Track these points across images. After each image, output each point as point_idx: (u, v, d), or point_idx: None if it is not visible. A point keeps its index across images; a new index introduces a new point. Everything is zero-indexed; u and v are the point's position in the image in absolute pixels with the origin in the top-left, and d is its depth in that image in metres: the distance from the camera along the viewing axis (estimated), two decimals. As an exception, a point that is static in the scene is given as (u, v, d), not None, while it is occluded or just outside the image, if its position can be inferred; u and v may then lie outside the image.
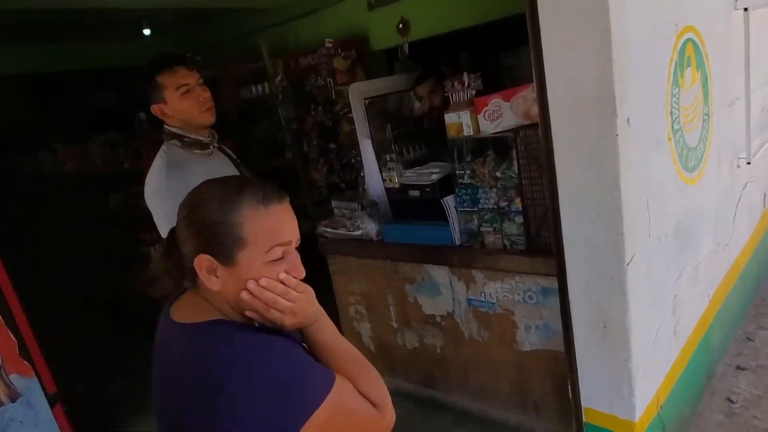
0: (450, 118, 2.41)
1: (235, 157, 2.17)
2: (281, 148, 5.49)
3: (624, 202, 1.72)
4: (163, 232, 1.86)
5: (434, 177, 2.55)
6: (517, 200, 2.31)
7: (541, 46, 1.73)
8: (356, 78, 4.32)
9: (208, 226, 0.96)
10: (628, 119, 1.71)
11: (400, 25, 4.31)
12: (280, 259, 0.98)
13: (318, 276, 3.17)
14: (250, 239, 0.95)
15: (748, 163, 2.96)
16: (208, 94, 1.97)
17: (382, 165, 2.96)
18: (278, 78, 4.84)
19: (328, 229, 2.97)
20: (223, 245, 0.95)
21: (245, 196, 0.96)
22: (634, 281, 1.82)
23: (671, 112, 2.09)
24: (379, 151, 3.00)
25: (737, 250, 2.97)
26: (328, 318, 1.10)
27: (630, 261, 1.79)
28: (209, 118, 1.99)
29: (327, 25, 4.87)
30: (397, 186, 2.78)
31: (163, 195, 1.84)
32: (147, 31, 5.40)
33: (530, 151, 2.20)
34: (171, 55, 2.02)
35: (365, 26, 4.61)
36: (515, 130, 2.24)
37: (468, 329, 2.63)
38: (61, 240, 5.72)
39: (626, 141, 1.71)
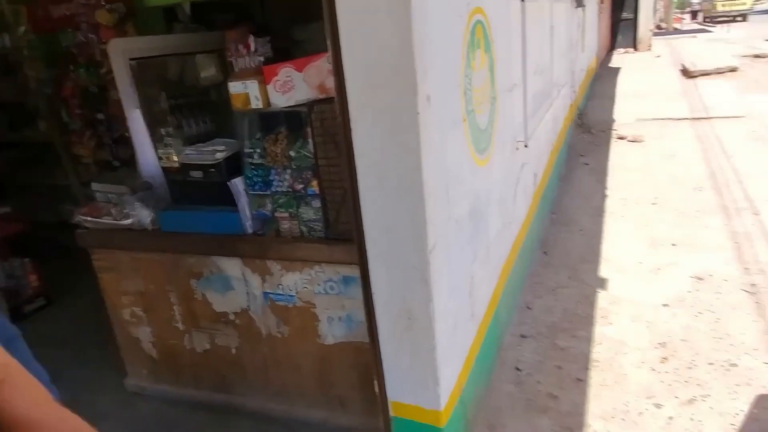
0: (235, 87, 2.07)
1: None
2: (32, 116, 4.49)
3: (426, 186, 1.61)
4: None
5: (219, 155, 2.20)
6: (314, 182, 2.09)
7: (335, 6, 1.50)
8: (127, 35, 3.66)
9: None
10: (428, 97, 1.59)
11: (179, -18, 3.75)
12: None
13: (83, 274, 2.61)
14: None
15: (526, 146, 3.17)
16: None
17: (157, 140, 2.50)
18: (22, 29, 3.90)
19: (89, 218, 2.42)
20: None
21: None
22: (436, 269, 1.74)
23: (465, 93, 2.05)
24: (154, 124, 2.53)
25: (517, 227, 3.19)
26: (25, 377, 0.71)
27: (432, 248, 1.70)
28: None
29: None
30: (176, 165, 2.36)
31: None
32: None
33: (327, 128, 1.98)
34: None
35: (136, -24, 3.92)
36: (309, 105, 2.00)
37: (266, 326, 2.37)
38: None
39: (427, 120, 1.59)
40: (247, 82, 2.04)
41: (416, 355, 1.81)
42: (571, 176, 5.82)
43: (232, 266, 2.31)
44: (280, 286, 2.26)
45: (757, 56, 12.02)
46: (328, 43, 1.58)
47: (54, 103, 4.22)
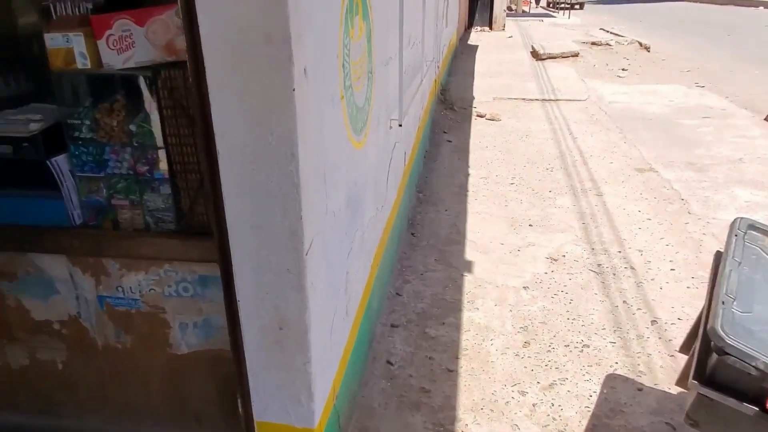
0: (54, 40, 1.61)
1: None
2: None
3: (302, 175, 1.36)
4: None
5: (35, 126, 1.73)
6: (162, 164, 1.73)
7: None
8: None
9: None
10: (305, 69, 1.32)
11: None
12: None
13: None
14: None
15: (400, 125, 3.03)
16: None
17: (-54, 103, 1.92)
18: None
19: None
20: None
21: None
22: (313, 272, 1.51)
23: (343, 66, 1.81)
24: (-60, 81, 1.94)
25: (389, 210, 3.05)
26: None
27: (309, 249, 1.46)
28: None
29: None
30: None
31: None
32: None
33: (177, 99, 1.63)
34: None
35: None
36: (155, 68, 1.63)
37: (102, 335, 1.96)
38: None
39: (304, 98, 1.33)
40: (70, 34, 1.60)
41: (288, 370, 1.57)
42: (436, 153, 5.89)
43: (55, 265, 1.86)
44: (120, 289, 1.87)
45: (593, 43, 13.25)
46: (178, -8, 1.25)
47: None
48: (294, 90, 1.26)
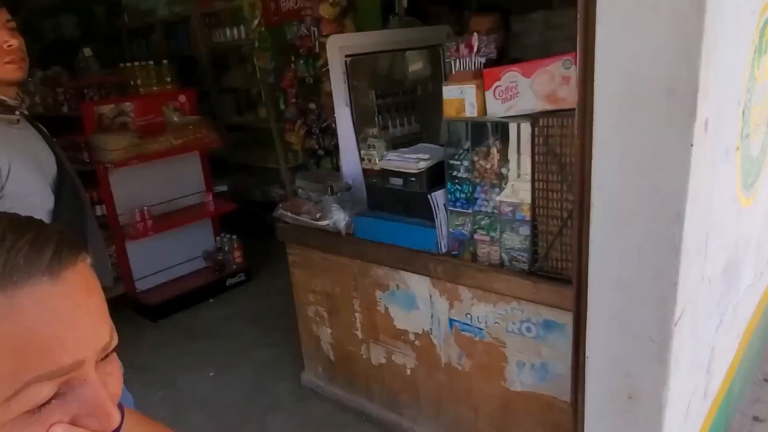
0: (450, 92, 1.85)
1: (48, 134, 1.64)
2: (255, 103, 4.88)
3: (685, 238, 1.21)
4: None
5: (422, 165, 2.02)
6: (526, 207, 1.79)
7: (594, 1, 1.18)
8: (344, 30, 3.70)
9: None
10: (706, 122, 1.18)
11: (393, -27, 3.71)
12: (48, 403, 0.44)
13: (283, 258, 2.68)
14: None
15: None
16: (16, 42, 1.43)
17: (361, 140, 2.41)
18: (255, 21, 4.19)
19: (289, 214, 2.43)
20: None
21: None
22: (678, 344, 1.33)
23: (743, 113, 1.57)
24: (361, 123, 2.46)
25: (769, 277, 2.51)
26: None
27: (678, 319, 1.30)
28: (14, 74, 1.44)
29: (317, -35, 4.20)
30: (377, 169, 2.24)
31: None
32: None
33: (551, 147, 1.67)
34: None
35: (359, -30, 3.96)
36: (534, 117, 1.70)
37: (446, 354, 2.15)
38: None
39: (700, 153, 1.19)
40: (464, 86, 1.81)
41: (635, 446, 1.42)
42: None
43: (419, 285, 2.12)
44: (469, 316, 2.02)
45: None
46: (578, 44, 1.27)
47: (274, 92, 4.50)
48: (692, 145, 1.14)
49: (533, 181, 1.74)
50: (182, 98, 3.83)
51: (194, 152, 3.84)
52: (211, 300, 3.88)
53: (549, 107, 1.68)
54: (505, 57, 2.47)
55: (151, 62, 3.78)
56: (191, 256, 4.02)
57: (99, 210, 3.64)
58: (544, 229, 1.77)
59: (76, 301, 0.46)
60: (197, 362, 3.14)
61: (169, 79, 3.79)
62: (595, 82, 1.25)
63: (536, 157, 1.71)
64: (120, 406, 0.78)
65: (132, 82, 3.63)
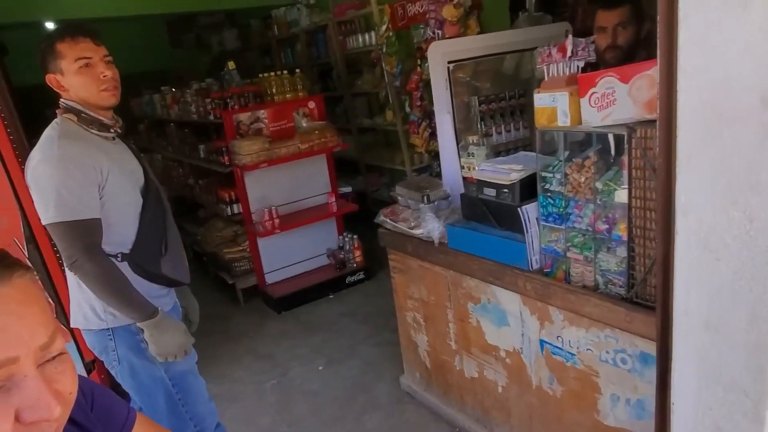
0: (541, 100, 1.74)
1: (137, 150, 1.91)
2: (384, 106, 5.01)
3: (787, 277, 1.01)
4: (51, 214, 1.58)
5: (514, 176, 1.92)
6: (622, 226, 1.62)
7: None
8: (468, 31, 3.65)
9: None
10: (819, 139, 0.97)
11: (527, -33, 3.56)
12: None
13: (381, 266, 2.73)
14: None
15: None
16: (111, 73, 1.70)
17: (461, 148, 2.37)
18: (384, 27, 4.30)
19: (388, 220, 2.47)
20: None
21: None
22: (780, 400, 1.11)
23: None
24: (463, 130, 2.41)
25: None
26: None
27: (780, 371, 1.08)
28: (108, 100, 1.71)
29: (444, -34, 4.19)
30: (473, 178, 2.18)
31: (54, 163, 1.58)
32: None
33: (649, 160, 1.49)
34: (77, 25, 1.70)
35: (486, -31, 3.87)
36: (631, 126, 1.53)
37: (537, 376, 2.03)
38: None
39: (809, 176, 0.98)
40: (557, 94, 1.69)
41: None
42: None
43: (510, 301, 2.03)
44: (560, 339, 1.88)
45: None
46: (658, 47, 1.12)
47: (400, 95, 4.59)
48: (793, 168, 0.94)
49: (630, 198, 1.56)
50: (311, 104, 4.07)
51: (321, 155, 4.06)
52: (330, 296, 4.08)
53: (648, 116, 1.50)
54: (636, 56, 2.25)
55: (285, 72, 4.07)
56: (315, 253, 4.26)
57: (236, 208, 4.03)
58: (641, 251, 1.58)
59: (8, 309, 0.55)
60: (310, 355, 3.33)
61: (300, 87, 4.04)
62: (677, 92, 1.09)
63: (633, 171, 1.54)
64: (131, 410, 0.87)
65: (268, 91, 3.94)
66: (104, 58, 1.69)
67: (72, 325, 1.82)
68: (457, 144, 2.38)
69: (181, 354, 1.76)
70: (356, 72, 5.36)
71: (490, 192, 2.03)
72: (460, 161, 2.37)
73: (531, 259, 1.91)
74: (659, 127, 1.17)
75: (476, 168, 2.15)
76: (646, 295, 1.60)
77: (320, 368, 3.17)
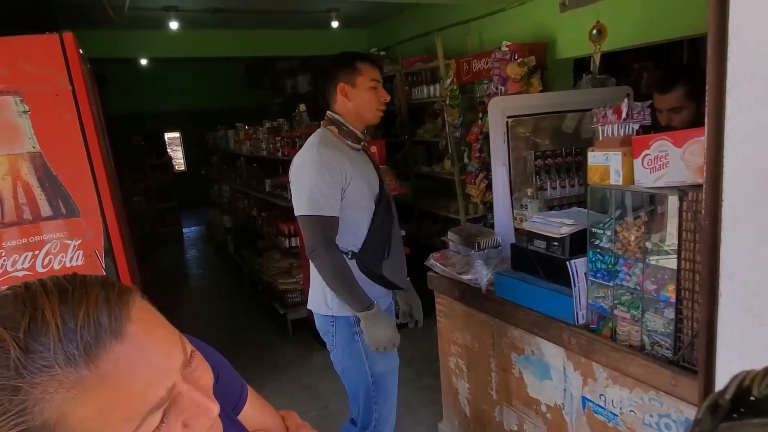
0: (595, 158, 1.79)
1: (376, 162, 2.21)
2: (442, 155, 5.14)
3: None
4: (303, 207, 1.87)
5: (565, 230, 1.95)
6: (671, 287, 1.62)
7: (725, 55, 1.09)
8: (530, 89, 3.76)
9: None
10: None
11: (594, 31, 3.64)
12: (162, 422, 0.55)
13: (427, 311, 2.78)
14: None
15: None
16: (388, 98, 2.09)
17: (515, 199, 2.43)
18: (449, 80, 4.47)
19: (438, 264, 2.53)
20: None
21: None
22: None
23: None
24: (518, 183, 2.47)
25: None
26: None
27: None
28: (378, 118, 2.08)
29: (511, 26, 4.37)
30: (526, 229, 2.23)
31: (312, 166, 1.87)
32: (335, 24, 5.45)
33: (700, 223, 1.50)
34: (372, 55, 2.07)
35: (552, 30, 4.01)
36: (683, 189, 1.55)
37: (578, 435, 1.99)
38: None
39: None
40: (610, 153, 1.74)
41: None
42: None
43: (553, 354, 2.03)
44: (603, 398, 1.86)
45: None
46: (707, 112, 1.17)
47: (460, 146, 4.70)
48: (837, 239, 0.96)
49: (679, 260, 1.57)
50: (374, 148, 4.23)
51: (378, 198, 4.19)
52: (377, 336, 4.12)
53: (700, 181, 1.52)
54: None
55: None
56: (366, 292, 4.34)
57: (294, 242, 4.19)
58: (689, 314, 1.57)
59: (144, 347, 0.53)
60: (351, 392, 3.36)
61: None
62: (724, 158, 1.13)
63: (683, 234, 1.55)
64: (245, 387, 0.95)
65: (334, 134, 4.15)
66: (379, 84, 2.04)
67: (308, 306, 2.13)
68: (512, 195, 2.44)
69: (389, 346, 1.98)
70: (418, 121, 5.53)
71: (540, 244, 2.07)
72: (513, 212, 2.42)
73: (577, 314, 1.92)
74: (705, 191, 1.20)
75: (528, 219, 2.20)
76: (692, 359, 1.57)
77: (360, 406, 3.20)
